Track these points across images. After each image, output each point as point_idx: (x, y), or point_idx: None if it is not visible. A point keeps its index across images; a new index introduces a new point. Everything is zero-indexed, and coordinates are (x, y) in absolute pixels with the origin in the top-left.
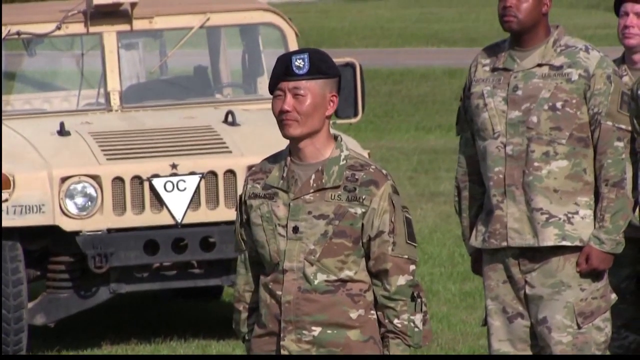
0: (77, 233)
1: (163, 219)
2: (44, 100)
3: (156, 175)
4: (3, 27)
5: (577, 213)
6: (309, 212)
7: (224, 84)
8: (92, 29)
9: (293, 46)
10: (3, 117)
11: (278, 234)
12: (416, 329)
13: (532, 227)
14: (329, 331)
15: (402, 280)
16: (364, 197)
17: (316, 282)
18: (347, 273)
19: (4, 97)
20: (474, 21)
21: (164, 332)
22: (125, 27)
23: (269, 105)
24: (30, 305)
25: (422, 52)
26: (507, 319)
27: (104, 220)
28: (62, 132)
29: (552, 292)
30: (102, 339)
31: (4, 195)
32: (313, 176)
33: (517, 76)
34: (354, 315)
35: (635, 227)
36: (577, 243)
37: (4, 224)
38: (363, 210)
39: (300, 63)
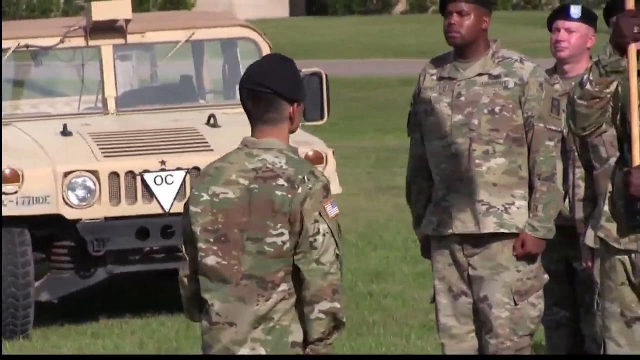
0: (77, 221)
1: (153, 208)
2: (49, 104)
3: (147, 171)
4: (13, 41)
5: (513, 204)
6: None
7: (207, 90)
8: (91, 43)
9: None
10: (13, 120)
11: None
12: None
13: (474, 216)
14: None
15: None
16: None
17: None
18: None
19: (14, 102)
20: (425, 36)
21: (154, 307)
22: (120, 41)
23: None
24: (36, 284)
25: (380, 63)
26: (453, 297)
27: (102, 209)
28: (65, 132)
29: (492, 273)
30: (99, 313)
31: (14, 188)
32: None
33: (460, 84)
34: None
35: (565, 216)
36: (513, 230)
37: (14, 213)
38: None
39: None
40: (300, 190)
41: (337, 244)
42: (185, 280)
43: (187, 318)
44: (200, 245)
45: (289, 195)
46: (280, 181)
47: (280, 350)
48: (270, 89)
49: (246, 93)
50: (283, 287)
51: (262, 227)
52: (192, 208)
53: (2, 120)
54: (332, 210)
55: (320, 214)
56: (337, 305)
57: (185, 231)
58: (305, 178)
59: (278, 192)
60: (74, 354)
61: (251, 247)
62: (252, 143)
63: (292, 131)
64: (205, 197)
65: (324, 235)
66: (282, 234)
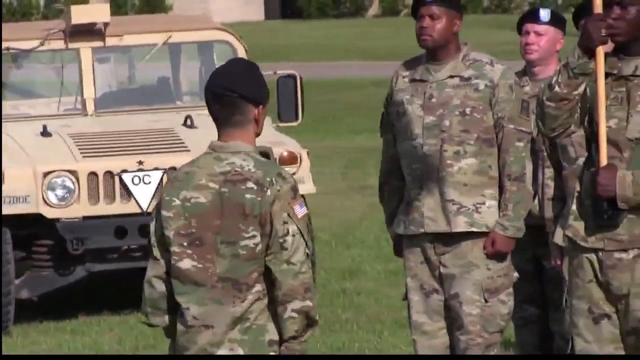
0: (57, 220)
1: (131, 208)
2: (29, 106)
3: (125, 171)
4: None
5: (483, 203)
6: None
7: (184, 92)
8: (71, 45)
9: None
10: None
11: None
12: None
13: (445, 215)
14: None
15: None
16: None
17: None
18: None
19: None
20: (397, 39)
21: (132, 305)
22: (99, 43)
23: None
24: (16, 282)
25: (353, 66)
26: (424, 295)
27: (81, 209)
28: (45, 133)
29: (463, 271)
30: (78, 310)
31: None
32: None
33: (432, 86)
34: None
35: (535, 216)
36: (484, 229)
37: None
38: None
39: None
40: (269, 192)
41: (306, 244)
42: (155, 280)
43: (145, 322)
44: (174, 249)
45: (259, 198)
46: (250, 184)
47: (257, 349)
48: (235, 92)
49: (212, 97)
50: (257, 287)
51: (235, 231)
52: (164, 213)
53: None
54: (300, 211)
55: (289, 215)
56: (309, 304)
57: (156, 234)
58: (274, 180)
59: (248, 195)
60: (73, 354)
61: (225, 250)
62: (220, 147)
63: (257, 134)
64: (177, 201)
65: (293, 235)
66: (254, 236)
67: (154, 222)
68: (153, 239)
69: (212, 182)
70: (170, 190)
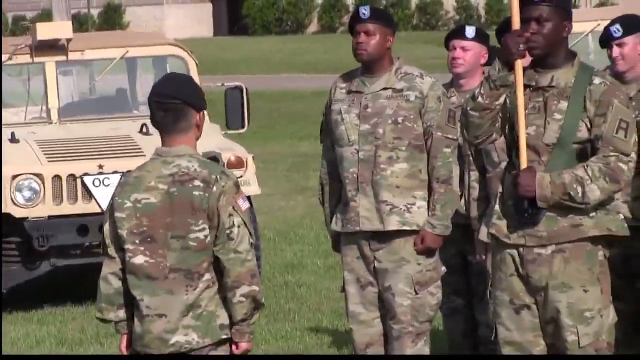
0: (24, 219)
1: (92, 207)
2: None
3: (86, 174)
4: None
5: (414, 204)
6: None
7: (140, 102)
8: (37, 59)
9: (194, 73)
10: None
11: None
12: None
13: (379, 215)
14: None
15: None
16: None
17: None
18: None
19: None
20: (335, 54)
21: (93, 297)
22: (62, 57)
23: None
24: None
25: (295, 78)
26: (360, 287)
27: (46, 209)
28: (13, 139)
29: (395, 265)
30: (44, 302)
31: None
32: None
33: (367, 97)
34: None
35: (461, 215)
36: (414, 227)
37: None
38: None
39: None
40: (215, 188)
41: (250, 234)
42: (111, 277)
43: (98, 318)
44: (128, 246)
45: (206, 194)
46: (197, 182)
47: (210, 334)
48: (179, 99)
49: (156, 106)
50: (207, 276)
51: (184, 225)
52: (117, 214)
53: None
54: (243, 204)
55: (234, 207)
56: (255, 288)
57: (110, 234)
58: (218, 177)
59: (196, 192)
60: (69, 354)
61: (176, 244)
62: (165, 152)
63: (197, 138)
64: (129, 203)
65: (238, 226)
66: (204, 228)
67: (107, 223)
68: (107, 239)
69: (161, 183)
70: (122, 194)
